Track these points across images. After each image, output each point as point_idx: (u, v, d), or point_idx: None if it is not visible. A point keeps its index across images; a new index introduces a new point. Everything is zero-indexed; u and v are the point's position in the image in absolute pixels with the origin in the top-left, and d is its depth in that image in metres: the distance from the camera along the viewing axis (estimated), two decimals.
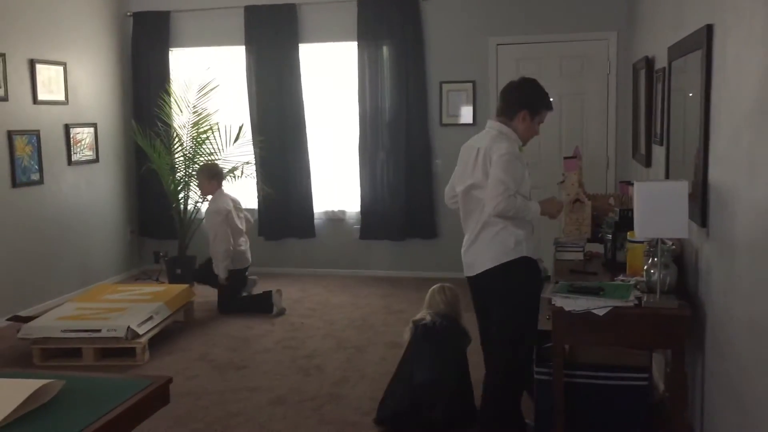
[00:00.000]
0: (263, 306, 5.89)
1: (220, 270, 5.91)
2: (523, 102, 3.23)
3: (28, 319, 5.06)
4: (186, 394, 4.17)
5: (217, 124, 6.88)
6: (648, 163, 4.74)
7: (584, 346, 3.32)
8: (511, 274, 3.18)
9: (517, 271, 3.19)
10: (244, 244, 6.11)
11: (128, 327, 4.71)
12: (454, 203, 3.46)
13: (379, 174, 6.99)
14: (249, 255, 6.16)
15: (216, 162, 6.51)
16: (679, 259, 3.30)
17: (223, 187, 6.10)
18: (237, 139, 6.89)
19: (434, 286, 3.95)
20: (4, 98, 5.68)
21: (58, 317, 4.95)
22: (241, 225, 6.08)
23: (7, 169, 5.73)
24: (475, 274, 3.27)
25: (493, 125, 3.27)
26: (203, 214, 6.15)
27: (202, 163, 6.37)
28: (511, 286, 3.20)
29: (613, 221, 3.64)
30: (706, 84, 2.91)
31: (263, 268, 7.29)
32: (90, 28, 6.79)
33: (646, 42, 5.10)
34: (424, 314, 3.84)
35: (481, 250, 3.22)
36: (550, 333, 3.21)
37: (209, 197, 6.09)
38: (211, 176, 6.02)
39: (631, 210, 3.27)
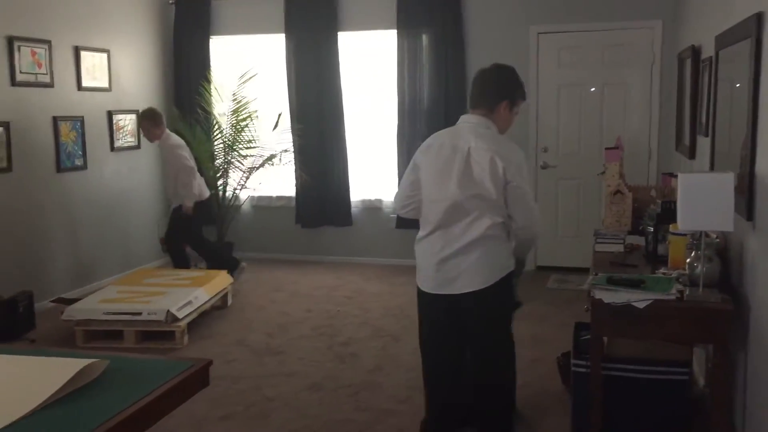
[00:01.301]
0: (226, 265, 6.16)
1: (190, 198, 6.01)
2: (503, 91, 2.91)
3: (71, 302, 5.18)
4: (223, 378, 4.23)
5: (257, 111, 6.93)
6: (692, 154, 4.65)
7: (623, 339, 3.27)
8: (504, 289, 2.91)
9: (508, 284, 2.93)
10: (200, 178, 6.26)
11: (168, 311, 4.79)
12: (411, 211, 3.01)
13: None
14: (206, 189, 6.33)
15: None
16: (723, 252, 3.23)
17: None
18: (276, 126, 6.94)
19: None
20: (50, 84, 5.80)
21: (101, 300, 5.06)
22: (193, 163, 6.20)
23: (52, 155, 5.86)
24: (461, 292, 2.84)
25: (475, 119, 2.90)
26: (167, 156, 6.16)
27: (141, 111, 6.19)
28: (502, 301, 2.94)
29: (655, 213, 3.58)
30: (755, 74, 2.84)
31: (300, 255, 7.36)
32: (133, 15, 6.89)
33: (692, 31, 4.99)
34: None
35: (471, 266, 2.82)
36: (587, 325, 3.17)
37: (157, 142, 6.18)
38: (158, 121, 6.00)
39: (674, 202, 3.21)
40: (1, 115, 5.33)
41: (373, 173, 7.26)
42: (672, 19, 6.14)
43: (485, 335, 2.94)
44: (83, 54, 6.15)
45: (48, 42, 5.75)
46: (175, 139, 6.15)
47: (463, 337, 2.96)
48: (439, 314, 2.95)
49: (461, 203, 2.81)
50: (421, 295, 2.98)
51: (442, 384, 3.05)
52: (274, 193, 7.45)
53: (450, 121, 6.70)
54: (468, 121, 2.93)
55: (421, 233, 2.97)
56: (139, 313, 4.83)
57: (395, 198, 3.09)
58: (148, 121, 6.00)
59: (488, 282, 2.83)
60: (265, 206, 7.53)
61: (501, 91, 2.91)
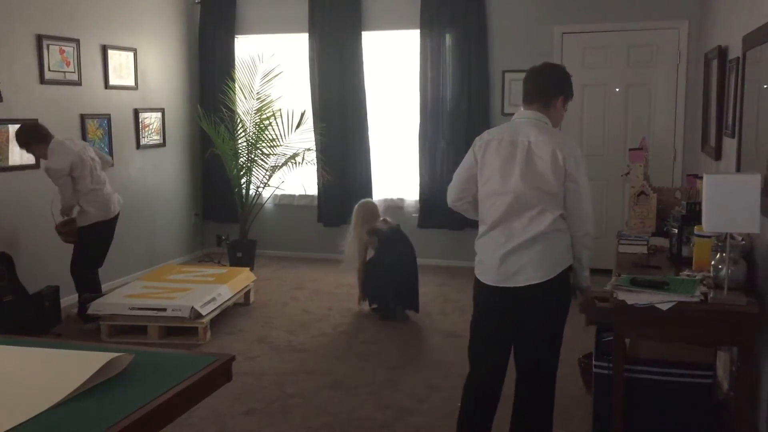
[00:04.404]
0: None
1: (59, 211, 5.15)
2: (559, 87, 2.95)
3: (96, 297, 5.22)
4: (245, 374, 4.26)
5: (280, 110, 6.97)
6: (718, 155, 4.60)
7: (646, 341, 3.25)
8: (563, 283, 2.91)
9: (567, 278, 2.93)
10: (109, 189, 5.34)
11: (192, 307, 4.84)
12: (464, 204, 3.06)
13: (438, 163, 6.98)
14: (117, 203, 5.39)
15: (32, 122, 5.16)
16: (749, 255, 3.19)
17: (57, 139, 5.04)
18: (299, 125, 6.97)
19: (361, 203, 5.80)
20: (78, 83, 5.88)
21: (126, 295, 5.12)
22: (101, 171, 5.29)
23: None
24: (523, 284, 2.83)
25: (532, 114, 2.92)
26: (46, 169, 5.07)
27: (18, 130, 5.02)
28: (562, 295, 2.92)
29: (680, 215, 3.55)
30: None
31: (321, 254, 7.38)
32: (159, 14, 6.96)
33: (719, 31, 4.94)
34: (379, 224, 5.56)
35: (533, 259, 2.81)
36: (609, 326, 3.15)
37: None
38: (39, 139, 4.98)
39: (699, 203, 3.18)
40: (30, 112, 5.42)
41: (395, 173, 7.27)
42: (698, 19, 6.07)
43: (542, 327, 2.93)
44: (110, 53, 6.23)
45: (76, 41, 5.83)
46: (61, 156, 5.03)
47: (517, 330, 2.96)
48: (498, 306, 2.94)
49: (525, 197, 2.82)
50: (481, 287, 2.97)
51: (488, 374, 3.05)
52: (297, 192, 7.49)
53: (473, 121, 6.78)
54: (525, 116, 2.94)
55: (481, 229, 2.98)
56: (164, 309, 4.88)
57: (449, 190, 3.10)
58: (28, 143, 5.01)
59: (550, 275, 2.83)
60: (287, 205, 7.57)
61: (557, 87, 2.95)
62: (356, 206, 5.78)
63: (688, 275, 3.15)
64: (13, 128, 5.24)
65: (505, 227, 2.87)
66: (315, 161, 7.11)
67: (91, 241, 5.25)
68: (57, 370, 1.81)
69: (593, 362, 3.37)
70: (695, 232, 3.28)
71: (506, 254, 2.84)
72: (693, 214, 3.42)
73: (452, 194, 3.08)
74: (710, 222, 2.77)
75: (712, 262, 2.96)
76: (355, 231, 5.65)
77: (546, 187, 2.80)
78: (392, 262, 5.41)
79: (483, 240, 2.97)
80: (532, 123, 2.89)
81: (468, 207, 3.06)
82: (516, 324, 2.93)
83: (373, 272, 5.50)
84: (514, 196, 2.83)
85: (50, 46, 5.56)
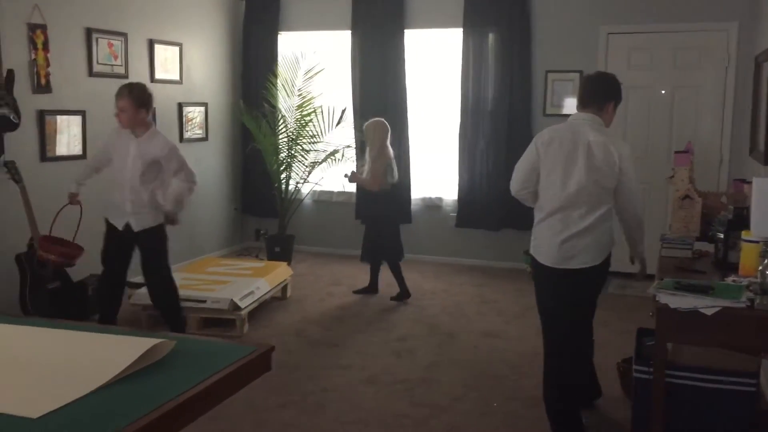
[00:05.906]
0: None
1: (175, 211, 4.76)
2: (613, 93, 3.34)
3: (138, 286, 5.31)
4: (281, 367, 4.29)
5: (321, 107, 7.00)
6: (767, 160, 4.49)
7: (688, 346, 3.18)
8: (605, 266, 3.29)
9: (608, 263, 3.30)
10: None
11: (231, 299, 4.90)
12: (527, 194, 3.36)
13: (478, 162, 6.94)
14: None
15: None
16: None
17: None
18: (339, 122, 7.00)
19: (380, 120, 5.78)
20: (125, 76, 5.98)
21: None
22: None
23: None
24: (577, 267, 3.19)
25: (588, 116, 3.28)
26: (147, 155, 4.42)
27: (141, 86, 4.36)
28: (603, 276, 3.33)
29: (726, 219, 3.47)
30: None
31: (358, 251, 7.35)
32: (205, 10, 7.06)
33: None
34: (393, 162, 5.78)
35: (588, 245, 3.18)
36: (650, 331, 3.10)
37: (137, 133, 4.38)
38: (143, 102, 4.28)
39: (747, 208, 3.12)
40: (78, 104, 5.54)
41: (434, 171, 7.25)
42: (749, 20, 5.93)
43: (578, 300, 3.28)
44: (157, 47, 6.33)
45: (124, 34, 5.94)
46: (167, 139, 4.61)
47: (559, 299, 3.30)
48: (553, 283, 3.28)
49: (586, 190, 3.15)
50: (538, 266, 3.33)
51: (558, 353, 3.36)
52: (335, 189, 7.52)
53: (513, 121, 6.73)
54: (582, 118, 3.29)
55: (539, 216, 3.31)
56: (204, 301, 4.95)
57: (513, 181, 3.40)
58: (129, 99, 4.26)
59: (596, 261, 3.20)
60: (325, 201, 7.61)
61: (609, 93, 3.33)
62: (375, 122, 5.80)
63: (734, 281, 3.08)
64: (61, 119, 5.37)
65: (562, 216, 3.21)
66: (354, 158, 7.13)
67: (166, 238, 4.74)
68: (100, 355, 1.84)
69: (633, 367, 3.32)
70: (743, 237, 3.20)
71: (564, 240, 3.20)
72: (740, 219, 3.34)
73: (516, 184, 3.39)
74: (759, 226, 2.71)
75: (760, 268, 2.88)
76: (379, 145, 5.74)
77: (603, 182, 3.16)
78: (400, 216, 6.21)
79: (541, 226, 3.31)
80: (588, 124, 3.24)
81: (529, 196, 3.37)
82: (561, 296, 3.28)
83: (387, 229, 5.94)
84: (576, 188, 3.15)
85: (99, 40, 5.68)
